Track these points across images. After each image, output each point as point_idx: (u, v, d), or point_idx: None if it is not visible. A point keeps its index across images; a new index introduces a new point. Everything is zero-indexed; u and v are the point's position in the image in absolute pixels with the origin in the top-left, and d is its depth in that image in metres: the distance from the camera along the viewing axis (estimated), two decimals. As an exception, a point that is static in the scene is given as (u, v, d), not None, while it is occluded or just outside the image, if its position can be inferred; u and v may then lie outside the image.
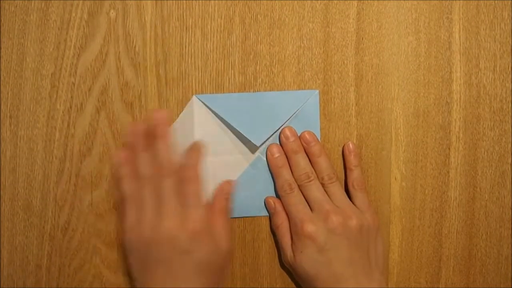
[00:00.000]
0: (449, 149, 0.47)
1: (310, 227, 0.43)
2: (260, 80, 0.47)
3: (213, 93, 0.47)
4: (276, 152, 0.46)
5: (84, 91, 0.47)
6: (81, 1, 0.47)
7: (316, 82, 0.47)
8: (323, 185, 0.45)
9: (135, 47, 0.47)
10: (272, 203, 0.46)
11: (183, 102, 0.47)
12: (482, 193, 0.47)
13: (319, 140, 0.46)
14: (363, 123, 0.47)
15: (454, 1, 0.47)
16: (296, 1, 0.47)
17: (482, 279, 0.47)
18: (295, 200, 0.45)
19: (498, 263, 0.47)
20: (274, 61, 0.47)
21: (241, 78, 0.47)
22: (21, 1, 0.47)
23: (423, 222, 0.48)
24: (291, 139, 0.46)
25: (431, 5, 0.47)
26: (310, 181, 0.45)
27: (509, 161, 0.47)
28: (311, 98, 0.46)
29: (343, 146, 0.47)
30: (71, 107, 0.47)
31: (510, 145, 0.47)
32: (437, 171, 0.47)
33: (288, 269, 0.46)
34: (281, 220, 0.45)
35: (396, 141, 0.47)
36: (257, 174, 0.47)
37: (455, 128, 0.47)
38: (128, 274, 0.46)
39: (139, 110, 0.47)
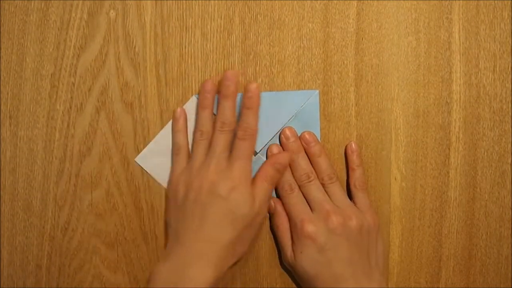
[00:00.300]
0: (449, 149, 0.47)
1: (310, 227, 0.43)
2: (260, 80, 0.47)
3: (213, 93, 0.47)
4: (276, 152, 0.46)
5: (84, 91, 0.47)
6: (81, 1, 0.47)
7: (316, 82, 0.47)
8: (323, 185, 0.45)
9: (135, 47, 0.47)
10: (272, 203, 0.46)
11: (183, 102, 0.47)
12: (482, 193, 0.47)
13: (319, 140, 0.46)
14: (363, 123, 0.47)
15: (454, 1, 0.47)
16: (296, 1, 0.47)
17: (482, 279, 0.47)
18: (296, 200, 0.45)
19: (498, 263, 0.47)
20: (274, 61, 0.47)
21: (241, 78, 0.47)
22: (21, 1, 0.47)
23: (423, 222, 0.48)
24: (291, 139, 0.46)
25: (431, 5, 0.47)
26: (310, 181, 0.45)
27: (509, 161, 0.47)
28: (311, 98, 0.46)
29: (346, 146, 0.47)
30: (71, 107, 0.47)
31: (510, 145, 0.47)
32: (437, 171, 0.47)
33: (288, 269, 0.46)
34: (281, 221, 0.45)
35: (396, 141, 0.47)
36: None
37: (455, 128, 0.47)
38: (164, 222, 0.47)
39: (139, 110, 0.47)
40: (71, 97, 0.47)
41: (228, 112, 0.44)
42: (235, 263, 0.43)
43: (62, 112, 0.47)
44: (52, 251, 0.47)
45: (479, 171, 0.47)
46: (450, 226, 0.47)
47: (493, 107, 0.47)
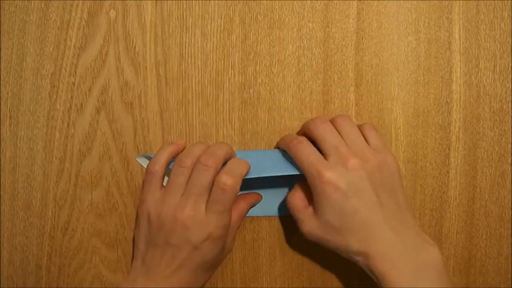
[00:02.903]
0: (449, 149, 0.47)
1: (328, 173, 0.38)
2: (260, 80, 0.47)
3: (213, 93, 0.47)
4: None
5: (84, 91, 0.47)
6: (81, 1, 0.47)
7: (316, 82, 0.47)
8: (334, 123, 0.42)
9: (135, 47, 0.47)
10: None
11: (183, 102, 0.47)
12: (482, 193, 0.47)
13: None
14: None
15: (454, 1, 0.47)
16: (296, 1, 0.47)
17: (482, 279, 0.47)
18: (307, 150, 0.40)
19: (498, 263, 0.47)
20: (274, 61, 0.47)
21: (241, 78, 0.47)
22: (21, 1, 0.47)
23: (423, 222, 0.48)
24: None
25: (431, 5, 0.47)
26: (323, 122, 0.42)
27: (509, 161, 0.47)
28: None
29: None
30: (71, 107, 0.47)
31: (510, 145, 0.47)
32: (437, 171, 0.47)
33: (311, 240, 0.42)
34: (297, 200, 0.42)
35: (396, 141, 0.47)
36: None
37: (455, 128, 0.47)
38: (133, 240, 0.46)
39: (139, 110, 0.47)
40: (71, 97, 0.47)
41: (217, 151, 0.42)
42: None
43: (62, 112, 0.47)
44: (52, 251, 0.47)
45: (479, 171, 0.47)
46: (450, 226, 0.47)
47: (493, 107, 0.47)
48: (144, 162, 0.47)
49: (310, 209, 0.41)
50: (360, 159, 0.39)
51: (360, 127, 0.43)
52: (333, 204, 0.38)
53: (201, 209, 0.41)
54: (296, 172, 0.42)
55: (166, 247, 0.42)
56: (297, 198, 0.42)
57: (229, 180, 0.40)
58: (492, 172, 0.47)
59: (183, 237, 0.41)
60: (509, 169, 0.47)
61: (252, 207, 0.46)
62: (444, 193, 0.47)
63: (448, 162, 0.47)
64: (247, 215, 0.47)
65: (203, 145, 0.44)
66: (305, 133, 0.44)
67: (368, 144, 0.42)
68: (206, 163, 0.41)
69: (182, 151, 0.45)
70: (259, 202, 0.47)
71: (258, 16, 0.47)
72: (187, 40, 0.47)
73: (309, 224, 0.41)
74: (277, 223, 0.47)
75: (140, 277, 0.42)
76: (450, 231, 0.47)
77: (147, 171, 0.44)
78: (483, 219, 0.47)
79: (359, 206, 0.38)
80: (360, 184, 0.38)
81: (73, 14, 0.47)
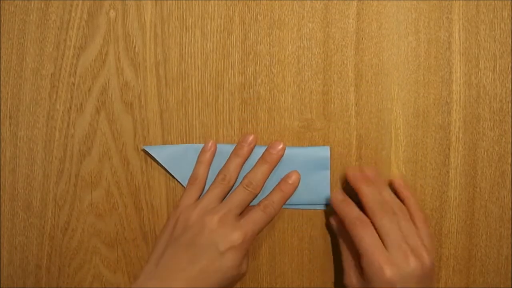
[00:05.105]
0: (448, 149, 0.47)
1: (389, 272, 0.40)
2: (260, 80, 0.47)
3: (213, 93, 0.47)
4: (341, 195, 0.45)
5: (84, 91, 0.47)
6: (81, 1, 0.47)
7: (316, 82, 0.47)
8: (394, 217, 0.43)
9: (135, 47, 0.47)
10: (333, 220, 0.46)
11: (183, 102, 0.47)
12: (482, 193, 0.47)
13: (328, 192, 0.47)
14: (363, 123, 0.47)
15: (454, 1, 0.47)
16: (296, 1, 0.47)
17: (482, 279, 0.47)
18: (371, 238, 0.41)
19: (498, 263, 0.47)
20: (274, 61, 0.47)
21: (241, 78, 0.47)
22: (21, 1, 0.47)
23: (423, 222, 0.47)
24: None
25: (431, 5, 0.47)
26: (394, 214, 0.42)
27: (509, 161, 0.47)
28: (321, 153, 0.46)
29: (392, 181, 0.46)
30: (71, 107, 0.47)
31: (510, 145, 0.47)
32: (437, 171, 0.47)
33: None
34: (370, 234, 0.42)
35: (396, 141, 0.47)
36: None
37: (455, 128, 0.47)
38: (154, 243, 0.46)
39: (139, 110, 0.47)
40: (71, 97, 0.47)
41: (259, 176, 0.45)
42: None
43: (62, 112, 0.47)
44: (52, 251, 0.47)
45: (479, 171, 0.47)
46: (450, 226, 0.47)
47: (493, 107, 0.47)
48: (152, 151, 0.47)
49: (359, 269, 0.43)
50: (419, 259, 0.41)
51: (412, 216, 0.44)
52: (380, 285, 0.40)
53: (231, 219, 0.43)
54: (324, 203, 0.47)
55: (190, 246, 0.42)
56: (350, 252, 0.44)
57: (273, 208, 0.44)
58: (492, 172, 0.47)
59: (210, 240, 0.41)
60: (509, 169, 0.47)
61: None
62: (444, 193, 0.47)
63: (448, 162, 0.47)
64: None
65: (242, 157, 0.46)
66: (365, 207, 0.44)
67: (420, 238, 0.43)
68: (249, 186, 0.45)
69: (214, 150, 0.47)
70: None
71: (258, 16, 0.47)
72: (187, 40, 0.47)
73: (355, 284, 0.43)
74: (277, 223, 0.47)
75: (153, 279, 0.41)
76: (450, 231, 0.47)
77: (193, 176, 0.46)
78: (483, 219, 0.47)
79: None
80: (412, 282, 0.40)
81: (73, 14, 0.47)
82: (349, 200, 0.45)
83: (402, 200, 0.45)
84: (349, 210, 0.43)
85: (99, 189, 0.47)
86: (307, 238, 0.47)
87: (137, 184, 0.47)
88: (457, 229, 0.47)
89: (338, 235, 0.45)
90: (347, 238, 0.44)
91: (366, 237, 0.41)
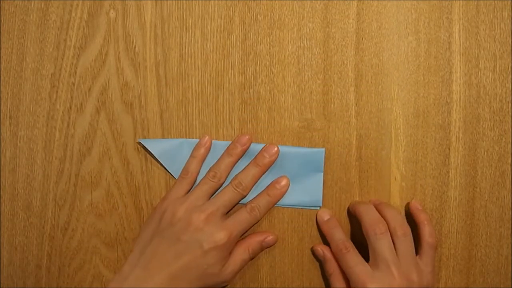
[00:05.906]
0: (449, 149, 0.47)
1: (372, 286, 0.40)
2: (260, 80, 0.47)
3: (213, 93, 0.47)
4: (326, 215, 0.46)
5: (84, 91, 0.47)
6: (81, 1, 0.47)
7: (316, 82, 0.47)
8: (394, 236, 0.43)
9: (135, 47, 0.47)
10: (321, 251, 0.46)
11: (183, 102, 0.47)
12: (482, 193, 0.47)
13: (321, 201, 0.47)
14: (363, 123, 0.47)
15: (454, 1, 0.47)
16: (296, 1, 0.47)
17: (482, 279, 0.47)
18: (354, 261, 0.42)
19: (498, 263, 0.47)
20: (274, 61, 0.47)
21: (241, 78, 0.47)
22: (21, 1, 0.47)
23: (423, 222, 0.47)
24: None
25: (431, 5, 0.47)
26: (382, 233, 0.42)
27: (509, 161, 0.47)
28: (317, 155, 0.47)
29: (409, 204, 0.46)
30: (71, 107, 0.47)
31: (510, 145, 0.47)
32: (437, 171, 0.47)
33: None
34: (333, 268, 0.44)
35: (396, 141, 0.47)
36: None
37: (455, 128, 0.47)
38: (138, 235, 0.46)
39: (139, 110, 0.47)
40: (71, 97, 0.47)
41: (250, 175, 0.45)
42: None
43: (62, 112, 0.47)
44: (52, 251, 0.47)
45: (479, 171, 0.47)
46: (450, 226, 0.47)
47: (493, 107, 0.47)
48: (147, 144, 0.46)
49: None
50: (407, 281, 0.41)
51: (419, 226, 0.44)
52: None
53: (218, 219, 0.43)
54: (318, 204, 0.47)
55: (175, 242, 0.42)
56: (337, 274, 0.44)
57: (259, 212, 0.45)
58: (492, 172, 0.47)
59: (195, 238, 0.42)
60: (509, 169, 0.47)
61: (262, 249, 0.47)
62: (444, 193, 0.47)
63: (448, 162, 0.47)
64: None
65: (234, 157, 0.46)
66: (362, 222, 0.44)
67: (420, 257, 0.43)
68: (239, 187, 0.45)
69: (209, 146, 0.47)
70: (271, 245, 0.47)
71: (258, 16, 0.47)
72: (187, 40, 0.47)
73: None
74: (277, 223, 0.47)
75: (137, 268, 0.42)
76: (450, 231, 0.47)
77: (185, 169, 0.46)
78: (483, 219, 0.47)
79: None
80: None
81: (73, 14, 0.47)
82: (334, 221, 0.46)
83: (417, 224, 0.45)
84: (333, 232, 0.45)
85: (99, 189, 0.47)
86: (307, 238, 0.47)
87: (137, 184, 0.47)
88: (457, 229, 0.47)
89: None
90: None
91: (350, 260, 0.42)
